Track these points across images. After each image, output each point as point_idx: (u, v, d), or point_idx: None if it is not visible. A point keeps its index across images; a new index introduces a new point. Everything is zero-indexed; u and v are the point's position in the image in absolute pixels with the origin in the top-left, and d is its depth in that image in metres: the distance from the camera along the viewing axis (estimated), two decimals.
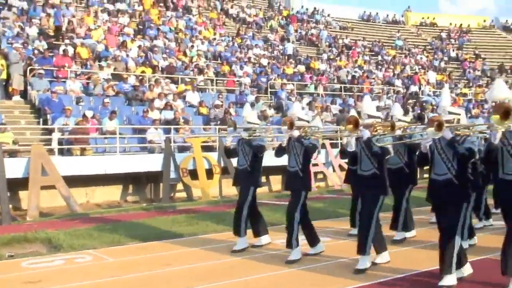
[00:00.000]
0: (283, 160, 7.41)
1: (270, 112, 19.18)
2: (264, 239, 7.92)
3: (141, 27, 23.39)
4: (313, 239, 7.29)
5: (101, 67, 18.08)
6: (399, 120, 7.49)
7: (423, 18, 40.60)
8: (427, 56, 33.32)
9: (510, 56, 36.14)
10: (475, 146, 5.49)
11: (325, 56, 28.38)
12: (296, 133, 6.97)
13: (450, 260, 5.45)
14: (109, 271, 6.70)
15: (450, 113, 5.83)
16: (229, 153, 8.21)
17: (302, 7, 35.60)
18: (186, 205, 12.64)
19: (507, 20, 41.65)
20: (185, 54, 22.08)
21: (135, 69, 19.26)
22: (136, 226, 9.64)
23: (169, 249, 7.86)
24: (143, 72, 19.15)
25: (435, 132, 5.33)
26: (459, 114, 5.88)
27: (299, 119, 7.08)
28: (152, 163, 14.27)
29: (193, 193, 14.59)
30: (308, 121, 7.47)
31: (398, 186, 7.75)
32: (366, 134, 6.38)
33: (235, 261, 7.15)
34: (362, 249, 6.28)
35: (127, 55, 19.66)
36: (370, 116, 6.59)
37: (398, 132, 7.32)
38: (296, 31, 31.19)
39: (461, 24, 39.62)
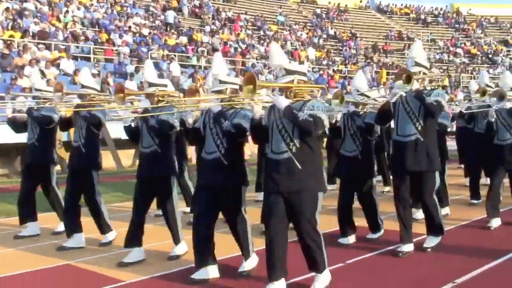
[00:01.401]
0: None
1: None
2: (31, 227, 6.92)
3: None
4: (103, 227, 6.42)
5: None
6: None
7: None
8: (307, 33, 34.26)
9: (383, 37, 38.24)
10: (247, 122, 4.69)
11: (208, 28, 28.13)
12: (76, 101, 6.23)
13: (247, 243, 5.05)
14: None
15: (222, 82, 5.05)
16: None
17: None
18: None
19: (381, 2, 44.00)
20: (59, 19, 20.74)
21: (2, 33, 17.76)
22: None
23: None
24: (11, 36, 17.70)
25: (196, 104, 4.68)
26: (236, 84, 5.15)
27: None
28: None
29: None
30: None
31: None
32: (145, 104, 5.73)
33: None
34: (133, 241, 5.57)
35: None
36: (151, 84, 5.75)
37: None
38: (178, 2, 30.52)
39: (339, 4, 41.18)
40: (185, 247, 5.72)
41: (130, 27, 23.51)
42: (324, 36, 35.17)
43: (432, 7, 44.84)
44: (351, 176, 6.31)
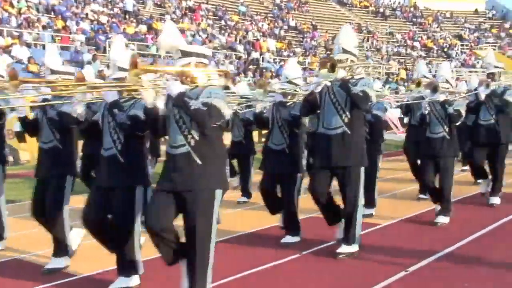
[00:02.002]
0: None
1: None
2: None
3: None
4: None
5: None
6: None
7: None
8: (268, 24, 34.23)
9: None
10: (141, 113, 4.19)
11: (168, 17, 27.75)
12: None
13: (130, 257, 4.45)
14: None
15: (121, 69, 4.50)
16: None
17: None
18: (13, 170, 11.64)
19: None
20: (12, 5, 20.09)
21: None
22: None
23: None
24: None
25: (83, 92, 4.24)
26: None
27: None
28: None
29: (20, 156, 13.53)
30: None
31: None
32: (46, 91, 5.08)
33: None
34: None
35: None
36: (54, 72, 5.12)
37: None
38: None
39: None
40: (65, 262, 5.07)
41: (87, 14, 22.99)
42: (285, 27, 35.24)
43: (390, 1, 45.51)
44: (278, 171, 5.88)
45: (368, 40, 37.53)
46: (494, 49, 38.78)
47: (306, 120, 6.00)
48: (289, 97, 6.01)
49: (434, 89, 6.60)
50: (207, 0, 33.70)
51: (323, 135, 5.32)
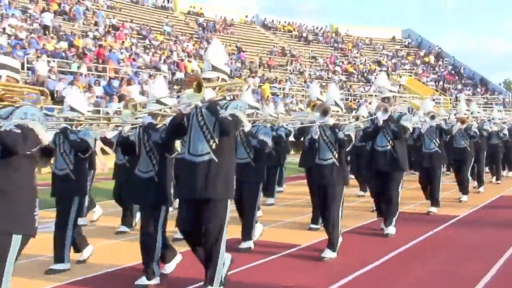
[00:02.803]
0: None
1: None
2: None
3: None
4: None
5: None
6: None
7: (191, 6, 41.69)
8: (193, 45, 34.26)
9: (267, 52, 39.29)
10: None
11: (90, 34, 27.15)
12: None
13: None
14: None
15: None
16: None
17: None
18: None
19: (265, 18, 45.30)
20: None
21: None
22: None
23: None
24: None
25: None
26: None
27: None
28: None
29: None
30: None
31: None
32: None
33: None
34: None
35: None
36: None
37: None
38: (59, 5, 29.18)
39: (225, 17, 41.75)
40: None
41: (4, 28, 22.06)
42: None
43: (313, 26, 47.04)
44: (144, 203, 5.23)
45: (291, 63, 38.42)
46: (410, 75, 40.93)
47: (178, 144, 5.17)
48: (158, 119, 5.35)
49: (324, 112, 6.13)
50: (131, 19, 33.32)
51: (188, 162, 4.66)
